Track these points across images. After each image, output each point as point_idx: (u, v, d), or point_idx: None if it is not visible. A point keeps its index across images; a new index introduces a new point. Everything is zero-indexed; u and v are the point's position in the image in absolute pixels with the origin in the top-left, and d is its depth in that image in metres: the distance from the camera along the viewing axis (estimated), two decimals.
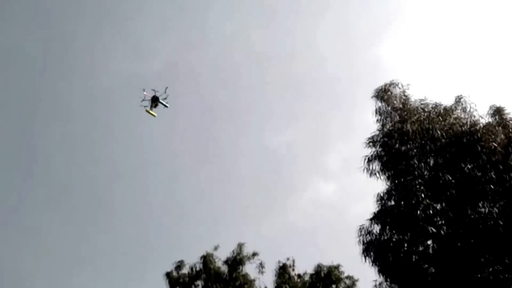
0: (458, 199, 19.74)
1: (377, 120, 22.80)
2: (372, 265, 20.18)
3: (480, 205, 19.63)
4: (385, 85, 23.00)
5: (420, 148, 21.44)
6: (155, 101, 23.16)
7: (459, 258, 18.63)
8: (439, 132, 21.27)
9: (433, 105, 22.37)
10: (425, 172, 20.72)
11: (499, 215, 19.12)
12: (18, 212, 48.03)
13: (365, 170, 21.80)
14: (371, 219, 20.52)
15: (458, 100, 22.38)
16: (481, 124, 21.41)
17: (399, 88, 22.98)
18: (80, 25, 55.19)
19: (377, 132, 22.34)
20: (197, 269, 28.84)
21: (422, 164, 21.13)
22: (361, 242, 20.49)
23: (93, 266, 42.56)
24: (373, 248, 20.22)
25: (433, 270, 19.10)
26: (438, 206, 19.72)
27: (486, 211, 19.46)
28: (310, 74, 57.81)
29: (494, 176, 19.90)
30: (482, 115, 22.07)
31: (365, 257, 20.25)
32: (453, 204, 19.70)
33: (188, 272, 28.93)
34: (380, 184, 21.47)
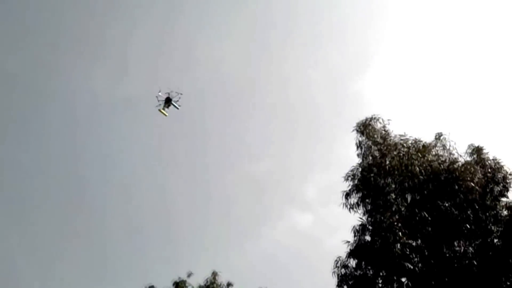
0: (434, 236, 19.66)
1: (357, 154, 22.93)
2: None
3: (456, 244, 19.59)
4: (367, 119, 23.18)
5: (398, 184, 21.45)
6: (168, 102, 25.29)
7: None
8: (418, 168, 21.35)
9: (413, 141, 22.52)
10: (403, 208, 20.64)
11: (474, 254, 19.11)
12: None
13: (343, 203, 21.86)
14: (347, 255, 20.35)
15: (438, 137, 22.59)
16: (460, 163, 21.53)
17: (380, 122, 23.17)
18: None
19: (357, 166, 22.43)
20: None
21: (400, 199, 21.09)
22: (336, 275, 20.33)
23: None
24: (348, 282, 20.04)
25: None
26: (414, 243, 19.60)
27: (462, 250, 19.42)
28: (294, 105, 58.24)
29: (471, 215, 19.93)
30: (461, 153, 22.30)
31: None
32: (429, 241, 19.61)
33: None
34: (357, 218, 21.43)
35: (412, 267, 18.92)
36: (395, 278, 19.41)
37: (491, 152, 22.13)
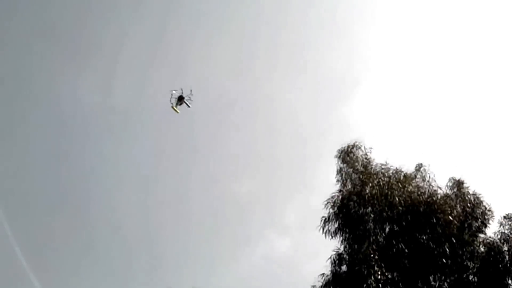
0: (410, 270, 19.42)
1: (338, 180, 22.75)
2: None
3: (432, 278, 19.37)
4: (348, 146, 23.05)
5: (377, 213, 21.23)
6: (180, 99, 26.57)
7: None
8: (397, 199, 21.20)
9: (394, 171, 22.37)
10: (380, 239, 20.43)
11: None
12: None
13: (322, 229, 21.57)
14: (324, 285, 20.04)
15: (419, 168, 22.48)
16: (439, 195, 21.42)
17: (362, 150, 23.03)
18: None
19: (337, 193, 22.21)
20: None
21: (378, 230, 20.90)
22: None
23: None
24: None
25: None
26: (390, 276, 19.30)
27: (437, 285, 19.18)
28: (278, 127, 58.06)
29: (447, 250, 19.72)
30: (442, 186, 22.20)
31: None
32: (405, 275, 19.34)
33: None
34: (335, 245, 21.20)
35: None
36: None
37: (472, 186, 22.16)
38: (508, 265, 19.63)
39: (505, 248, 20.07)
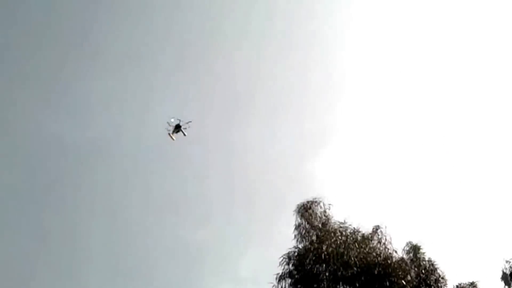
0: None
1: (295, 236, 22.48)
2: None
3: None
4: (308, 202, 23.03)
5: (332, 272, 20.95)
6: (177, 128, 28.32)
7: None
8: (353, 259, 21.03)
9: (352, 230, 22.32)
10: None
11: None
12: None
13: (275, 286, 21.12)
14: None
15: (376, 229, 22.46)
16: (395, 259, 21.35)
17: (321, 207, 22.99)
18: None
19: (293, 249, 21.99)
20: None
21: None
22: None
23: None
24: None
25: None
26: None
27: None
28: (242, 177, 57.96)
29: None
30: (398, 249, 22.16)
31: None
32: None
33: None
34: None
35: None
36: None
37: (428, 252, 22.21)
38: None
39: None
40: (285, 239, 22.74)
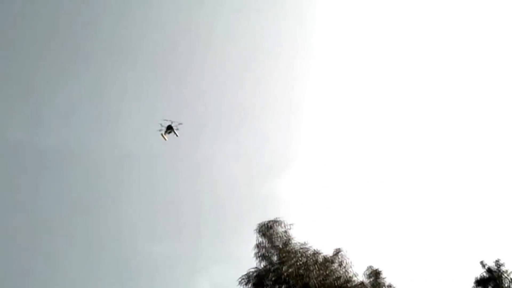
0: None
1: (255, 254, 22.07)
2: None
3: None
4: (269, 221, 22.65)
5: None
6: (169, 129, 29.25)
7: None
8: (313, 281, 20.83)
9: (312, 252, 22.00)
10: None
11: None
12: None
13: None
14: None
15: (337, 253, 22.18)
16: (355, 283, 21.12)
17: (282, 227, 22.54)
18: None
19: (253, 269, 21.66)
20: None
21: None
22: None
23: None
24: None
25: None
26: None
27: None
28: (205, 194, 57.01)
29: None
30: (358, 273, 21.94)
31: None
32: None
33: None
34: None
35: None
36: None
37: (388, 278, 22.04)
38: None
39: None
40: (247, 258, 22.26)
